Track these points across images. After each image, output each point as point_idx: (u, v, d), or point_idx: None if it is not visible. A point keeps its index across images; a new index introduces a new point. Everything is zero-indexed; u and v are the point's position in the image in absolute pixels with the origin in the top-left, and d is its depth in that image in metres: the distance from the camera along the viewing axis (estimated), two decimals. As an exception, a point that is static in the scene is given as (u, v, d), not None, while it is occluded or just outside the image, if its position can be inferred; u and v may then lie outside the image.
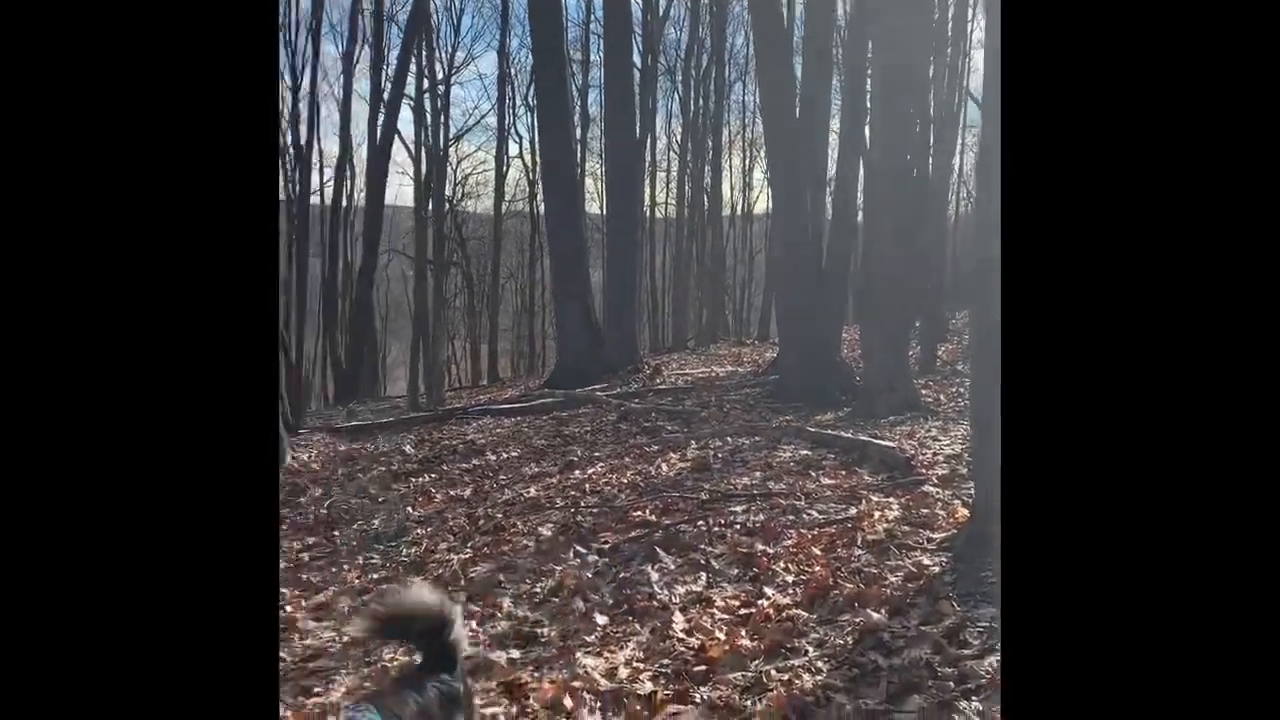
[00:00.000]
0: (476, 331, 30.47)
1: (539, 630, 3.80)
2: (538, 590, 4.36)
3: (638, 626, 3.66)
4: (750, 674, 3.04)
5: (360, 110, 24.87)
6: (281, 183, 22.09)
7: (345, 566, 5.40)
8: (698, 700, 2.91)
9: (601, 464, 7.44)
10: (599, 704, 3.00)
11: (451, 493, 7.15)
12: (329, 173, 24.39)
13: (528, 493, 6.65)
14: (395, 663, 3.63)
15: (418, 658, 2.43)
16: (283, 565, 5.71)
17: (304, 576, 5.33)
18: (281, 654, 4.00)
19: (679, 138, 28.48)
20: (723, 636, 3.37)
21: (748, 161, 32.10)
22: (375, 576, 5.08)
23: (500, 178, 26.69)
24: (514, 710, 3.05)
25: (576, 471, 7.25)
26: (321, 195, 24.32)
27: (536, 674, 3.33)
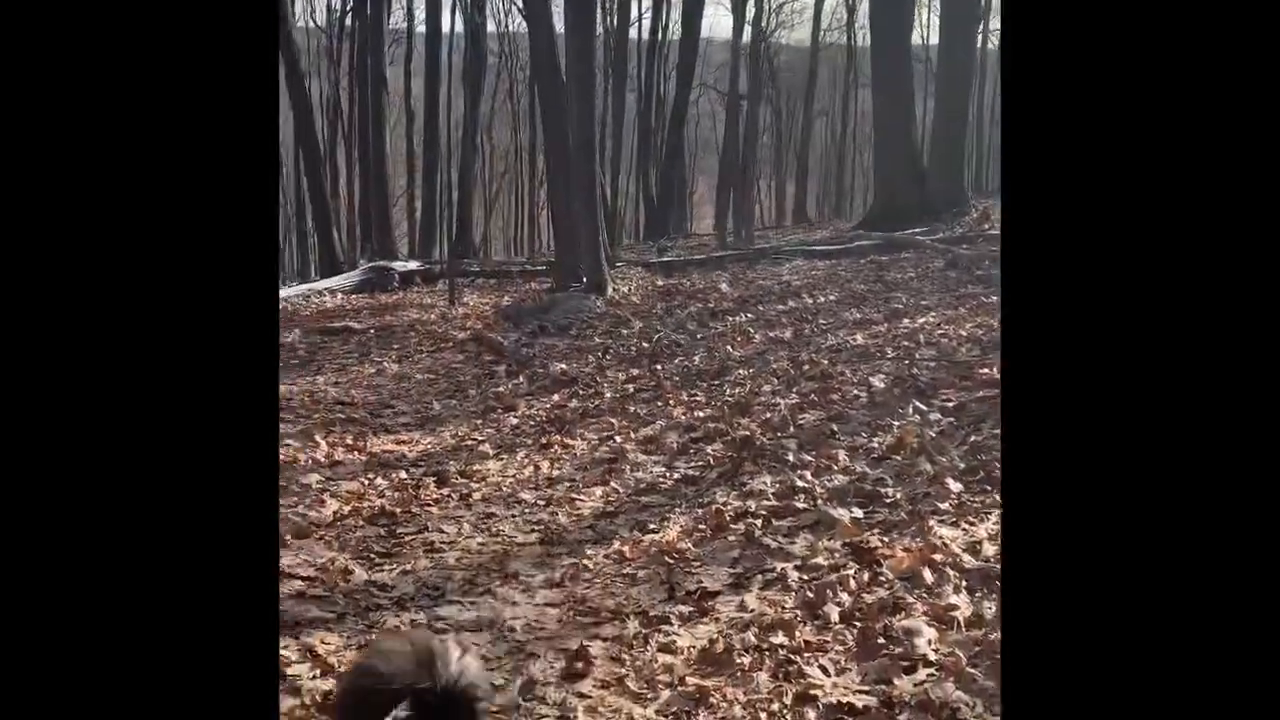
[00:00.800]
0: (783, 170, 29.70)
1: (882, 490, 3.50)
2: (875, 445, 4.04)
3: (1000, 498, 3.25)
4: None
5: (678, -64, 24.10)
6: (600, 16, 22.11)
7: (670, 402, 5.36)
8: (1087, 596, 2.49)
9: (933, 314, 6.86)
10: (964, 582, 2.67)
11: (771, 334, 6.93)
12: (646, 3, 24.10)
13: (854, 340, 6.27)
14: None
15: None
16: (609, 395, 5.81)
17: (631, 408, 5.37)
18: (613, 485, 4.01)
19: (1024, -49, 25.11)
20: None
21: (1104, -22, 27.83)
22: (701, 414, 4.99)
23: (819, 4, 25.13)
24: (864, 576, 2.79)
25: (905, 320, 6.74)
26: (639, 28, 24.18)
27: (886, 538, 3.04)
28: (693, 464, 4.21)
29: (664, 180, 20.96)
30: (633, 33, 23.73)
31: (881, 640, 2.43)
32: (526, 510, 3.79)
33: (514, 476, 4.32)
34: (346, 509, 3.77)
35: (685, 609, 2.73)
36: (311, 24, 24.54)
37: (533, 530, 3.54)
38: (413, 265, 14.40)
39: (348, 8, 19.91)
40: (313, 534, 3.39)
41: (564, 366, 6.75)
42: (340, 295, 13.00)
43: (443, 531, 3.53)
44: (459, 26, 20.50)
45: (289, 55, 16.39)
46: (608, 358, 6.95)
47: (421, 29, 19.75)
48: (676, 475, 4.07)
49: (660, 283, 10.37)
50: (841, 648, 2.44)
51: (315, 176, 17.06)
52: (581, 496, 3.89)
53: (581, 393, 6.01)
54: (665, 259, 13.36)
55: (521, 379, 6.64)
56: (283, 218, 27.89)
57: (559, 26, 10.96)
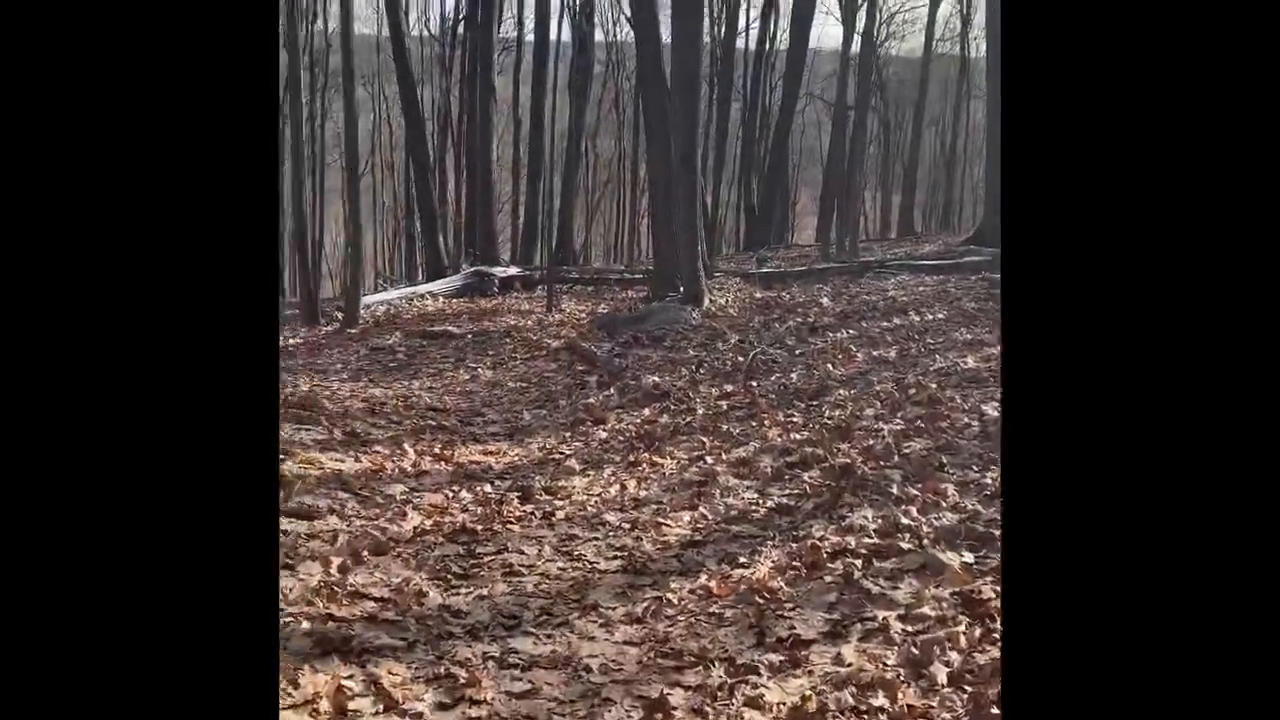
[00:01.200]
0: (889, 181, 28.98)
1: (995, 532, 3.20)
2: (988, 481, 3.73)
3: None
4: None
5: (788, -56, 23.80)
6: (708, 25, 21.96)
7: (765, 422, 5.13)
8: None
9: (1050, 337, 6.43)
10: (1091, 648, 2.38)
11: (874, 353, 6.62)
12: (755, 12, 23.84)
13: (964, 362, 5.92)
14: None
15: None
16: (701, 412, 5.61)
17: (724, 427, 5.16)
18: (702, 510, 3.81)
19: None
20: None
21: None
22: (798, 437, 4.75)
23: (932, 14, 24.42)
24: (976, 632, 2.52)
25: (1020, 343, 6.33)
26: (746, 36, 23.92)
27: (1000, 589, 2.76)
28: (787, 491, 3.98)
29: (766, 190, 20.68)
30: (740, 42, 23.50)
31: (995, 710, 2.17)
32: (610, 533, 3.62)
33: (599, 495, 4.16)
34: (428, 523, 3.66)
35: (776, 658, 2.51)
36: (425, 33, 25.12)
37: (616, 556, 3.36)
38: (513, 271, 14.52)
39: (460, 17, 20.26)
40: (391, 550, 3.28)
41: (656, 379, 6.58)
42: (441, 299, 13.18)
43: (523, 553, 3.39)
44: (567, 35, 20.64)
45: (401, 64, 16.77)
46: (701, 372, 6.75)
47: (531, 38, 19.96)
48: (770, 503, 3.84)
49: (759, 295, 10.11)
50: (950, 716, 2.19)
51: (423, 182, 17.40)
52: (668, 521, 3.70)
53: (673, 408, 5.83)
54: (765, 270, 13.10)
55: (613, 391, 6.51)
56: (392, 222, 28.69)
57: (665, 36, 10.85)
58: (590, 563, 3.31)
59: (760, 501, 3.89)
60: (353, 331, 10.72)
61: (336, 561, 3.05)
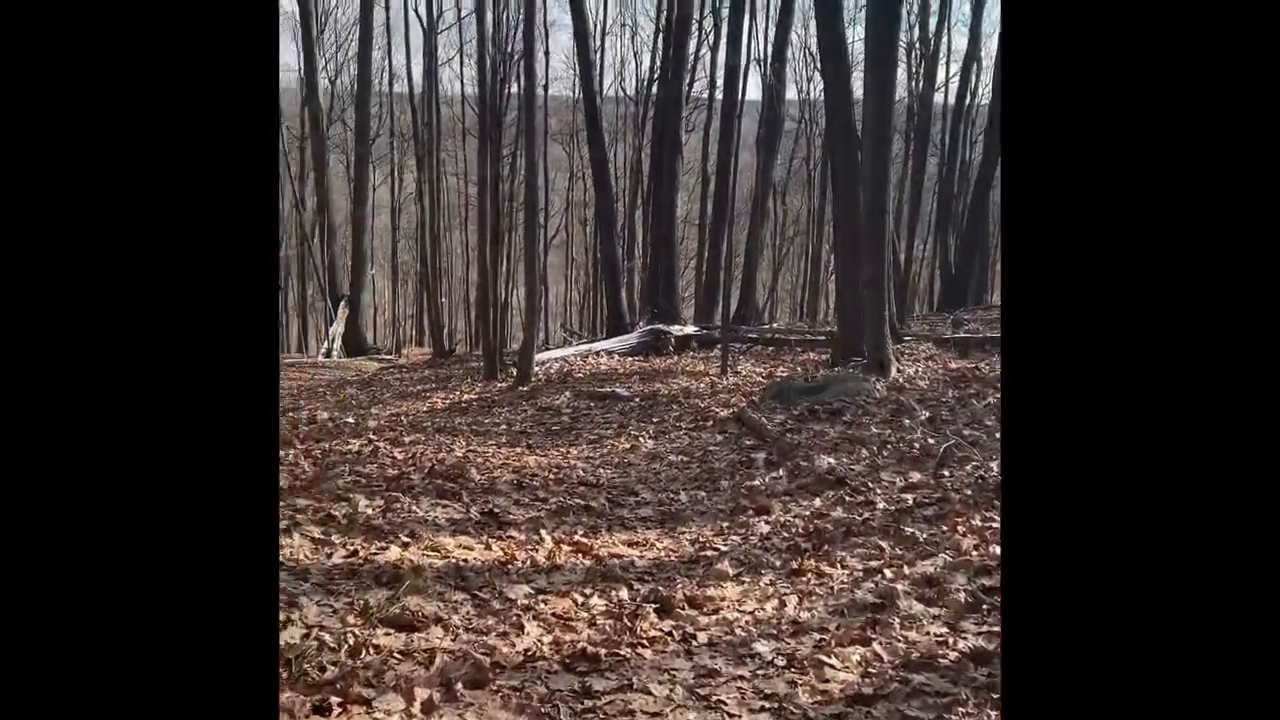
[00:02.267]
0: (1105, 240, 26.83)
1: None
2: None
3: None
4: None
5: (992, 1, 22.68)
6: (905, 79, 21.14)
7: (959, 527, 4.33)
8: None
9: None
10: None
11: (1093, 443, 5.64)
12: (955, 67, 22.77)
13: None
14: None
15: None
16: (881, 506, 4.86)
17: (907, 529, 4.40)
18: (876, 647, 3.10)
19: None
20: None
21: None
22: (997, 550, 3.93)
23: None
24: None
25: None
26: (945, 91, 22.88)
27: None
28: (985, 627, 3.20)
29: (964, 248, 19.47)
30: (939, 96, 22.47)
31: None
32: (759, 670, 2.97)
33: (752, 613, 3.51)
34: (546, 641, 3.14)
35: None
36: (621, 93, 25.61)
37: (762, 708, 2.71)
38: (690, 329, 14.14)
39: (654, 77, 20.47)
40: (491, 682, 2.77)
41: (831, 461, 5.86)
42: (617, 357, 12.94)
43: (649, 693, 2.80)
44: (757, 94, 20.35)
45: (592, 126, 17.04)
46: (884, 455, 5.98)
47: (721, 96, 19.81)
48: (963, 644, 3.08)
49: (953, 365, 9.17)
50: None
51: (608, 240, 17.47)
52: (832, 660, 3.01)
53: (848, 499, 5.10)
54: (961, 334, 12.07)
55: (781, 472, 5.84)
56: (583, 277, 29.18)
57: (857, 91, 10.25)
58: (729, 716, 2.68)
59: (950, 640, 3.13)
60: (524, 389, 10.57)
61: (422, 697, 2.56)
